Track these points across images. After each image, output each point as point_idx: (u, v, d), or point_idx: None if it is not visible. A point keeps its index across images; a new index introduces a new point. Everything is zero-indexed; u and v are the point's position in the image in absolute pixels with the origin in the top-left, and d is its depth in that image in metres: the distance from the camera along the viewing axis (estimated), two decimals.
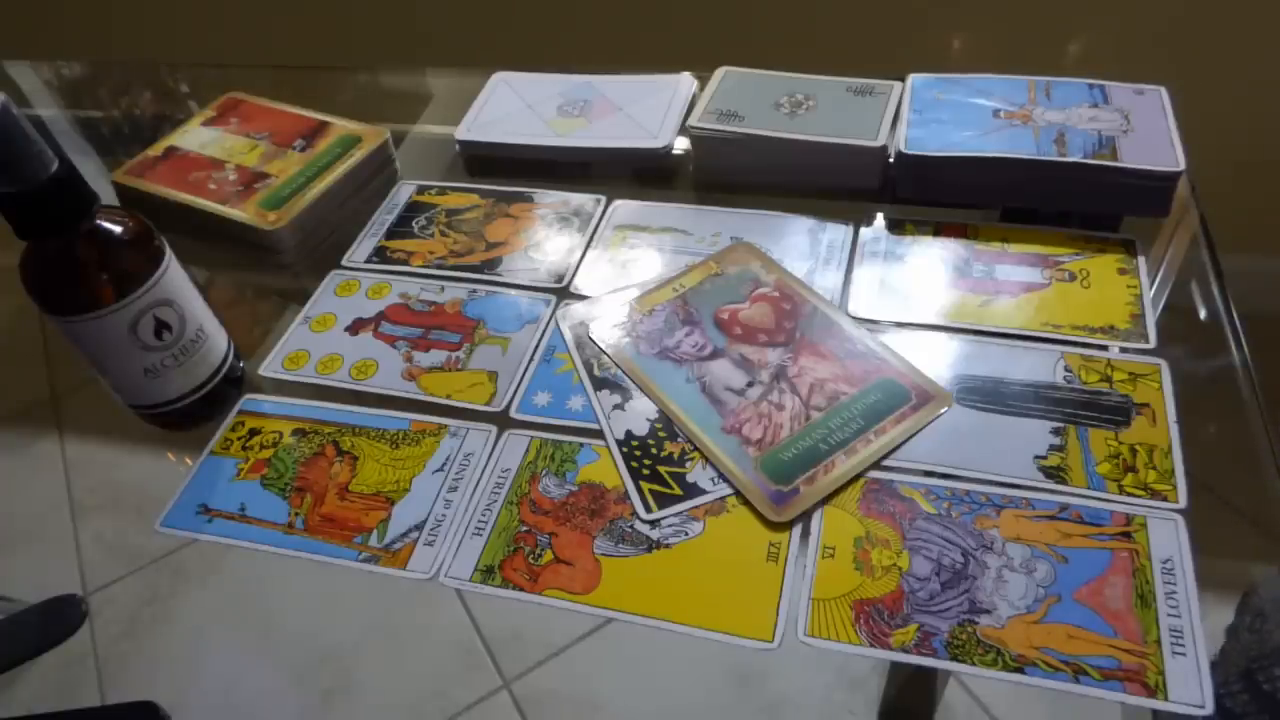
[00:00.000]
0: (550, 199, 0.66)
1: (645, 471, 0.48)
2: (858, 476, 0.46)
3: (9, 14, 1.38)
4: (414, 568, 0.45)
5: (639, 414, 0.51)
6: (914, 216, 0.61)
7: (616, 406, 0.51)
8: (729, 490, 0.46)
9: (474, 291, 0.60)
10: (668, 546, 0.45)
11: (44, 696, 0.50)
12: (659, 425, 0.50)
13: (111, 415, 0.54)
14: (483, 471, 0.49)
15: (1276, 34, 1.01)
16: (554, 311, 0.57)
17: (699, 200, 0.65)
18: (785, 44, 1.14)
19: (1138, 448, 0.46)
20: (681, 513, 0.46)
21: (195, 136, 0.72)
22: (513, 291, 0.59)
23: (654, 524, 0.46)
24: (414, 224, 0.65)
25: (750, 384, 0.51)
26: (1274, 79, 1.04)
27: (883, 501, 0.45)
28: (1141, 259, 0.56)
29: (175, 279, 0.49)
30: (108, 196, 0.58)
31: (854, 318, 0.54)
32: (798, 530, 0.45)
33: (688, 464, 0.48)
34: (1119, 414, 0.48)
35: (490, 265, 0.61)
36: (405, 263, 0.62)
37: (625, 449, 0.49)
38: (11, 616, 0.49)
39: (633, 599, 0.43)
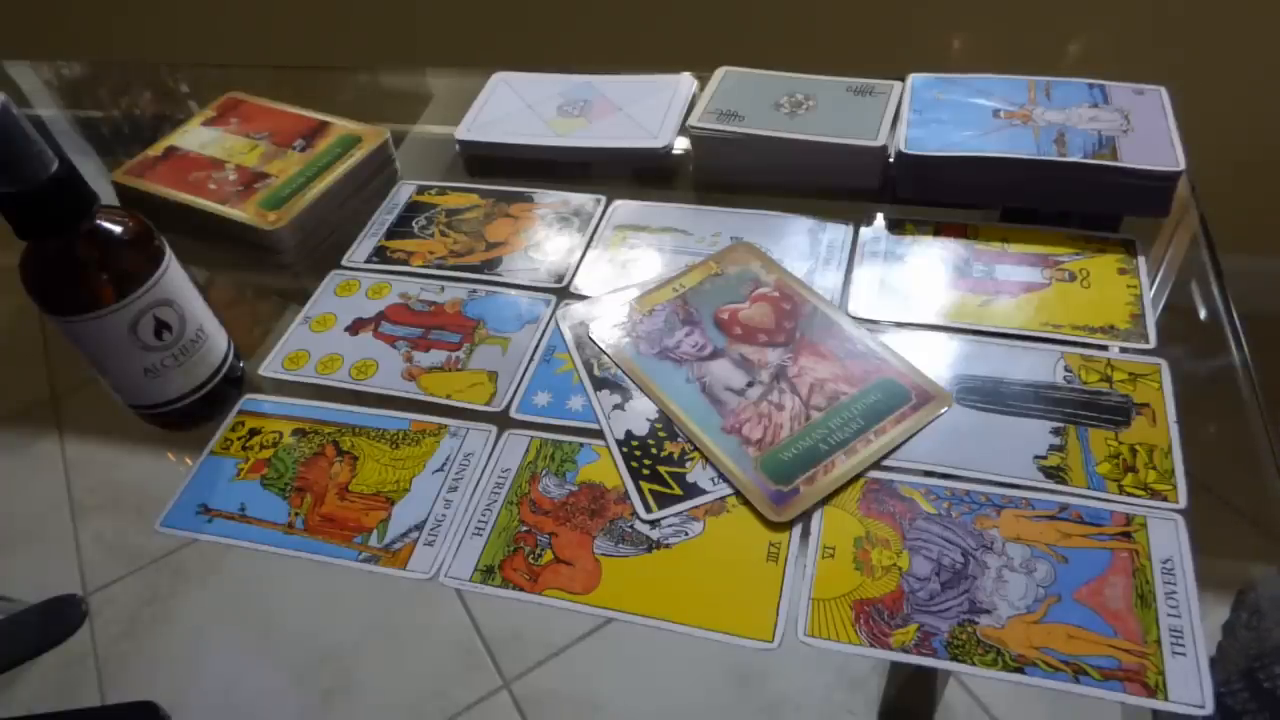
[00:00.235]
0: (550, 199, 0.66)
1: (645, 471, 0.48)
2: (858, 476, 0.46)
3: (9, 14, 1.38)
4: (414, 568, 0.45)
5: (639, 414, 0.51)
6: (914, 216, 0.61)
7: (616, 406, 0.51)
8: (729, 490, 0.46)
9: (474, 291, 0.60)
10: (668, 546, 0.45)
11: (44, 696, 0.50)
12: (659, 425, 0.50)
13: (111, 415, 0.54)
14: (483, 471, 0.49)
15: (1276, 34, 1.01)
16: (554, 311, 0.57)
17: (699, 200, 0.65)
18: (785, 44, 1.14)
19: (1138, 448, 0.46)
20: (681, 513, 0.46)
21: (195, 136, 0.72)
22: (513, 291, 0.59)
23: (654, 524, 0.46)
24: (414, 224, 0.65)
25: (750, 384, 0.51)
26: (1274, 79, 1.04)
27: (883, 501, 0.45)
28: (1141, 259, 0.56)
29: (175, 279, 0.49)
30: (108, 196, 0.58)
31: (854, 318, 0.54)
32: (798, 530, 0.45)
33: (688, 464, 0.48)
34: (1119, 414, 0.48)
35: (490, 265, 0.61)
36: (405, 263, 0.62)
37: (625, 449, 0.49)
38: (11, 616, 0.49)
39: (633, 599, 0.43)
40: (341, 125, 0.71)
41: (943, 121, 0.61)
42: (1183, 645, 0.39)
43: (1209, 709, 0.37)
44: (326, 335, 0.58)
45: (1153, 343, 0.51)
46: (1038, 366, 0.50)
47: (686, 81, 0.72)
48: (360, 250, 0.64)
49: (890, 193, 0.62)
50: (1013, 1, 1.04)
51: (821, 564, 0.43)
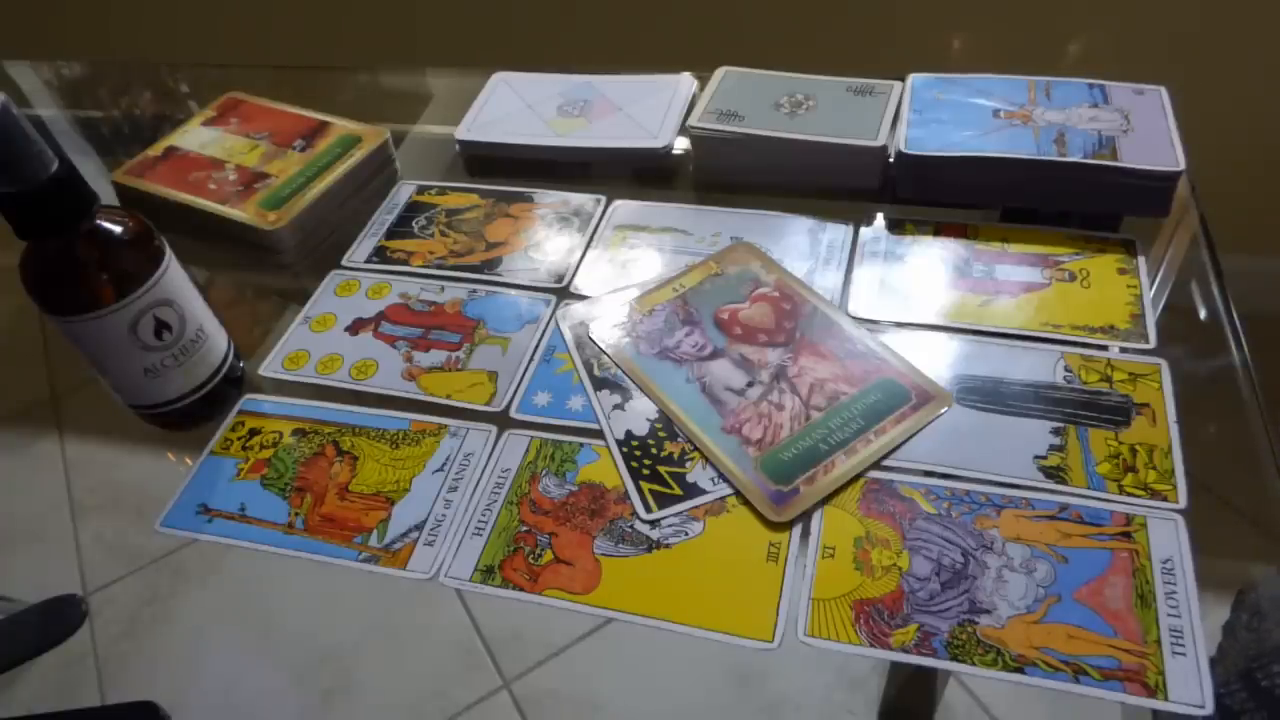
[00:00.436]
0: (550, 199, 0.66)
1: (645, 471, 0.48)
2: (858, 476, 0.46)
3: (9, 14, 1.38)
4: (414, 568, 0.45)
5: (639, 414, 0.51)
6: (914, 216, 0.61)
7: (616, 406, 0.51)
8: (729, 490, 0.46)
9: (474, 291, 0.60)
10: (668, 546, 0.45)
11: (44, 696, 0.50)
12: (659, 425, 0.50)
13: (111, 415, 0.54)
14: (483, 471, 0.49)
15: (1276, 34, 1.01)
16: (554, 311, 0.57)
17: (699, 200, 0.65)
18: (785, 44, 1.14)
19: (1138, 448, 0.46)
20: (681, 513, 0.46)
21: (195, 136, 0.72)
22: (513, 291, 0.59)
23: (654, 524, 0.46)
24: (414, 224, 0.65)
25: (750, 384, 0.51)
26: (1274, 79, 1.05)
27: (883, 501, 0.45)
28: (1141, 259, 0.56)
29: (175, 279, 0.49)
30: (108, 196, 0.58)
31: (854, 318, 0.54)
32: (798, 530, 0.45)
33: (688, 464, 0.48)
34: (1119, 414, 0.48)
35: (490, 265, 0.61)
36: (405, 263, 0.62)
37: (625, 449, 0.49)
38: (11, 616, 0.49)
39: (633, 599, 0.43)
40: (341, 125, 0.71)
41: (943, 121, 0.61)
42: (1183, 645, 0.39)
43: (1209, 709, 0.37)
44: (326, 335, 0.58)
45: (1153, 343, 0.51)
46: (1038, 366, 0.50)
47: (686, 81, 0.72)
48: (360, 250, 0.64)
49: (890, 193, 0.62)
50: (1013, 1, 1.04)
51: (821, 564, 0.43)
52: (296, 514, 0.48)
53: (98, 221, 0.46)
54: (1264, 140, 1.10)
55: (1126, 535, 0.43)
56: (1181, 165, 0.56)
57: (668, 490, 0.47)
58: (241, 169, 0.68)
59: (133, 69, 0.96)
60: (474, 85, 0.75)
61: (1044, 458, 0.46)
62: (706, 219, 0.63)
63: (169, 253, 0.48)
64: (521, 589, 0.44)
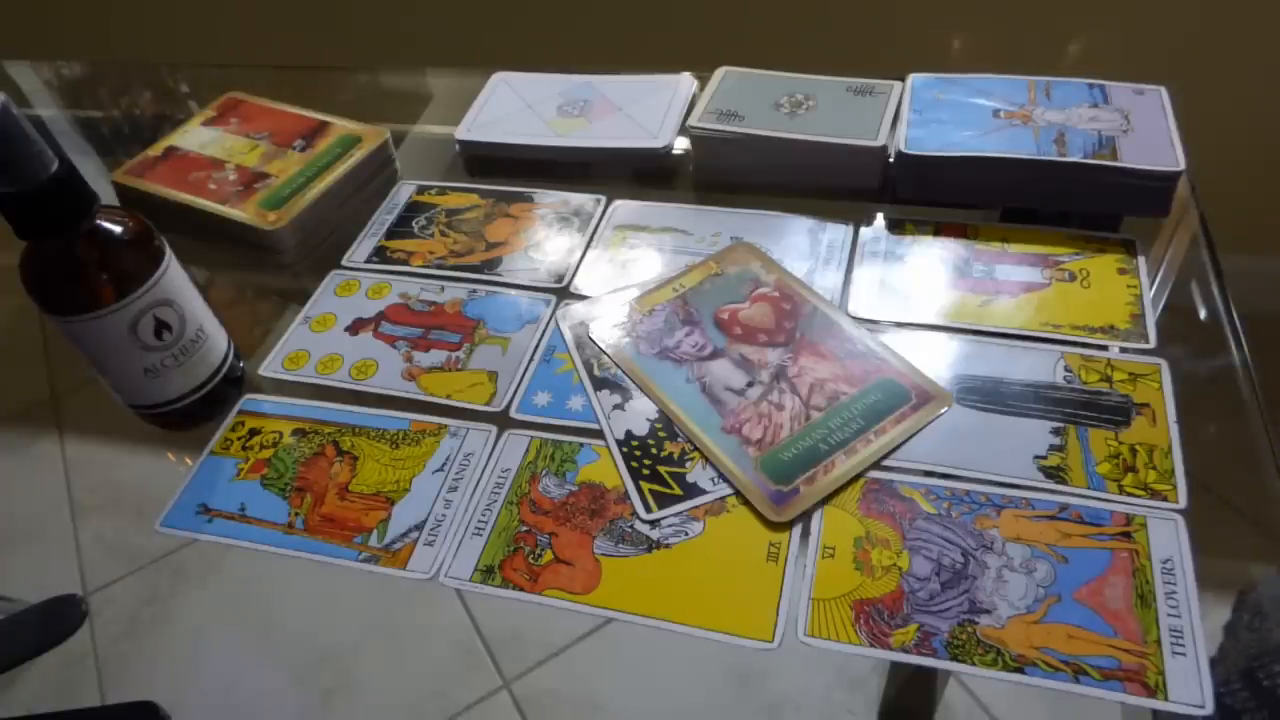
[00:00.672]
0: (550, 199, 0.66)
1: (645, 471, 0.48)
2: (858, 476, 0.46)
3: (9, 14, 1.38)
4: (414, 568, 0.45)
5: (639, 414, 0.51)
6: (914, 216, 0.61)
7: (616, 406, 0.51)
8: (729, 490, 0.46)
9: (474, 291, 0.60)
10: (668, 546, 0.45)
11: (44, 696, 0.50)
12: (659, 425, 0.50)
13: (111, 415, 0.54)
14: (483, 471, 0.49)
15: (1276, 34, 1.01)
16: (554, 311, 0.57)
17: (699, 200, 0.65)
18: (785, 44, 1.14)
19: (1138, 448, 0.46)
20: (681, 513, 0.46)
21: (195, 136, 0.72)
22: (513, 291, 0.59)
23: (654, 524, 0.46)
24: (414, 224, 0.65)
25: (750, 384, 0.51)
26: (1274, 79, 1.04)
27: (883, 501, 0.45)
28: (1141, 259, 0.56)
29: (175, 279, 0.49)
30: (108, 196, 0.58)
31: (854, 318, 0.54)
32: (798, 530, 0.45)
33: (688, 464, 0.48)
34: (1119, 414, 0.48)
35: (490, 265, 0.61)
36: (405, 263, 0.62)
37: (625, 449, 0.49)
38: (11, 616, 0.49)
39: (633, 599, 0.43)
40: (341, 125, 0.71)
41: (943, 121, 0.61)
42: (1183, 645, 0.39)
43: (1209, 709, 0.37)
44: (326, 335, 0.58)
45: (1153, 343, 0.51)
46: (1038, 366, 0.50)
47: (686, 81, 0.72)
48: (360, 250, 0.64)
49: (890, 193, 0.62)
50: (1013, 1, 1.04)
51: (821, 564, 0.43)
52: (296, 514, 0.48)
53: (98, 221, 0.46)
54: (1264, 140, 1.10)
55: (1126, 535, 0.43)
56: (1181, 165, 0.56)
57: (668, 490, 0.47)
58: (241, 169, 0.68)
59: (133, 69, 0.96)
60: (474, 85, 0.75)
61: (1044, 458, 0.46)
62: (706, 219, 0.63)
63: (169, 253, 0.48)
64: (521, 589, 0.44)
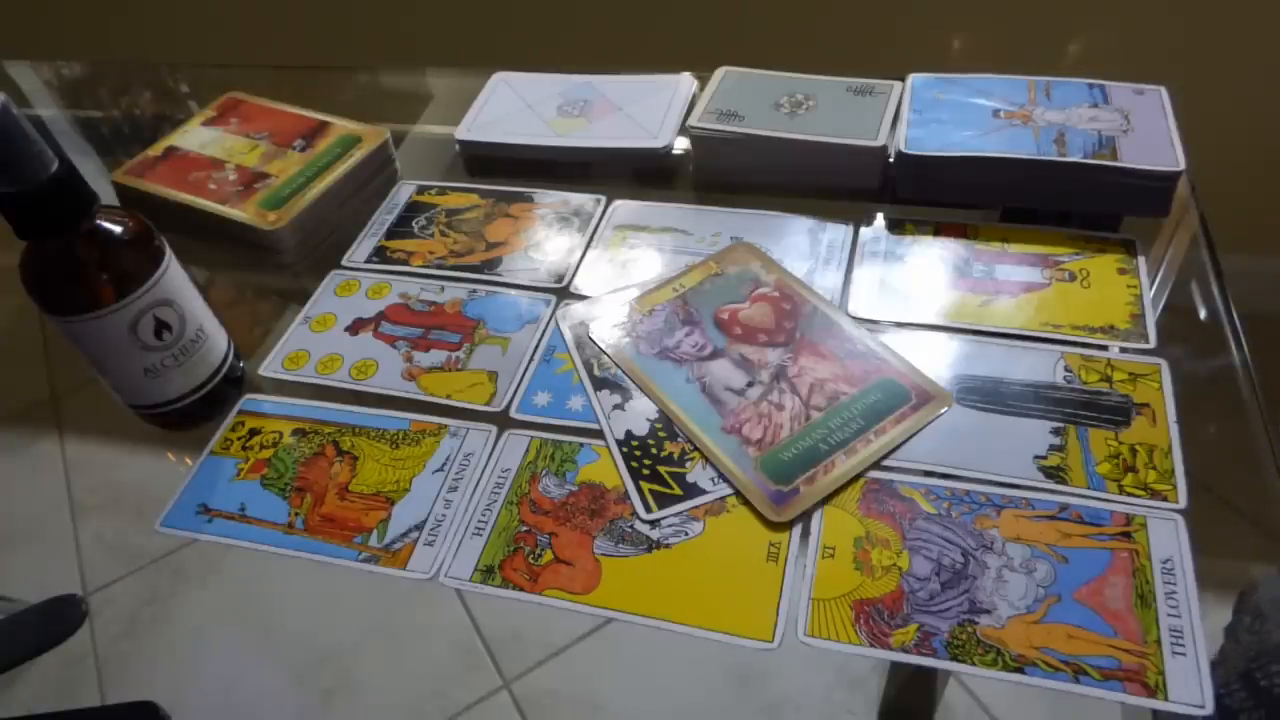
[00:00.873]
0: (550, 199, 0.66)
1: (645, 471, 0.48)
2: (858, 476, 0.46)
3: (9, 14, 1.38)
4: (414, 568, 0.45)
5: (639, 414, 0.51)
6: (914, 216, 0.61)
7: (616, 406, 0.51)
8: (729, 490, 0.46)
9: (474, 291, 0.60)
10: (668, 546, 0.45)
11: (44, 696, 0.50)
12: (659, 425, 0.50)
13: (111, 415, 0.54)
14: (483, 471, 0.49)
15: (1276, 34, 1.01)
16: (554, 311, 0.57)
17: (699, 200, 0.65)
18: (785, 44, 1.14)
19: (1138, 448, 0.46)
20: (681, 513, 0.46)
21: (195, 136, 0.72)
22: (513, 291, 0.59)
23: (654, 524, 0.46)
24: (414, 224, 0.65)
25: (750, 384, 0.51)
26: (1274, 79, 1.05)
27: (883, 501, 0.45)
28: (1141, 259, 0.56)
29: (175, 279, 0.49)
30: (108, 196, 0.58)
31: (854, 318, 0.54)
32: (798, 530, 0.45)
33: (688, 464, 0.48)
34: (1119, 414, 0.48)
35: (490, 265, 0.61)
36: (405, 263, 0.62)
37: (625, 449, 0.49)
38: (11, 616, 0.49)
39: (633, 599, 0.43)
40: (341, 125, 0.71)
41: (943, 121, 0.61)
42: (1183, 645, 0.39)
43: (1209, 709, 0.37)
44: (326, 335, 0.58)
45: (1153, 343, 0.51)
46: (1038, 366, 0.50)
47: (686, 81, 0.72)
48: (360, 250, 0.64)
49: (890, 193, 0.62)
50: (1013, 1, 1.04)
51: (821, 564, 0.43)
52: (296, 514, 0.48)
53: (98, 221, 0.46)
54: (1264, 140, 1.10)
55: (1126, 535, 0.43)
56: (1181, 165, 0.56)
57: (668, 490, 0.47)
58: (241, 169, 0.68)
59: (133, 69, 0.96)
60: (474, 85, 0.75)
61: (1044, 458, 0.46)
62: (706, 219, 0.63)
63: (169, 253, 0.48)
64: (521, 589, 0.44)
